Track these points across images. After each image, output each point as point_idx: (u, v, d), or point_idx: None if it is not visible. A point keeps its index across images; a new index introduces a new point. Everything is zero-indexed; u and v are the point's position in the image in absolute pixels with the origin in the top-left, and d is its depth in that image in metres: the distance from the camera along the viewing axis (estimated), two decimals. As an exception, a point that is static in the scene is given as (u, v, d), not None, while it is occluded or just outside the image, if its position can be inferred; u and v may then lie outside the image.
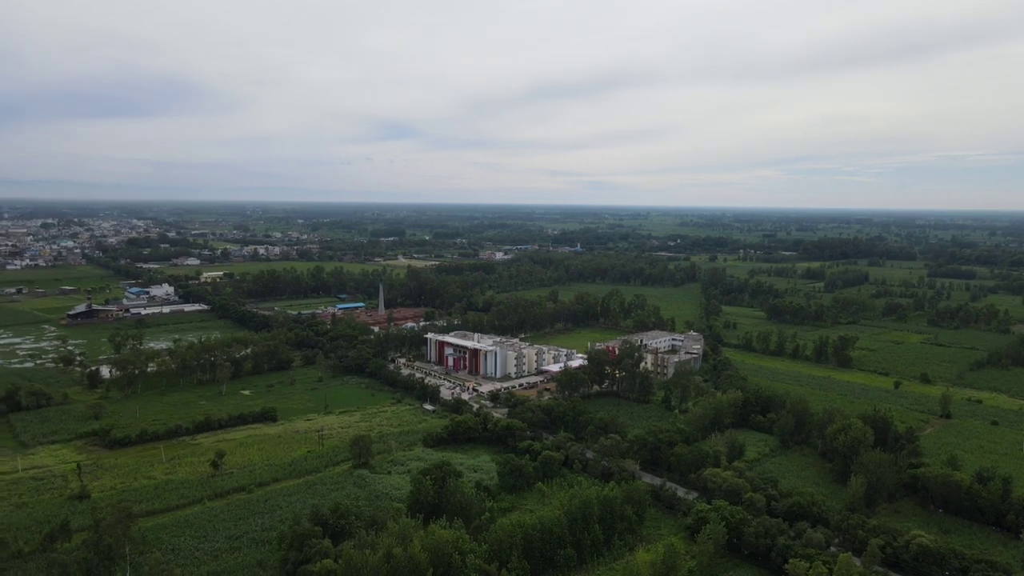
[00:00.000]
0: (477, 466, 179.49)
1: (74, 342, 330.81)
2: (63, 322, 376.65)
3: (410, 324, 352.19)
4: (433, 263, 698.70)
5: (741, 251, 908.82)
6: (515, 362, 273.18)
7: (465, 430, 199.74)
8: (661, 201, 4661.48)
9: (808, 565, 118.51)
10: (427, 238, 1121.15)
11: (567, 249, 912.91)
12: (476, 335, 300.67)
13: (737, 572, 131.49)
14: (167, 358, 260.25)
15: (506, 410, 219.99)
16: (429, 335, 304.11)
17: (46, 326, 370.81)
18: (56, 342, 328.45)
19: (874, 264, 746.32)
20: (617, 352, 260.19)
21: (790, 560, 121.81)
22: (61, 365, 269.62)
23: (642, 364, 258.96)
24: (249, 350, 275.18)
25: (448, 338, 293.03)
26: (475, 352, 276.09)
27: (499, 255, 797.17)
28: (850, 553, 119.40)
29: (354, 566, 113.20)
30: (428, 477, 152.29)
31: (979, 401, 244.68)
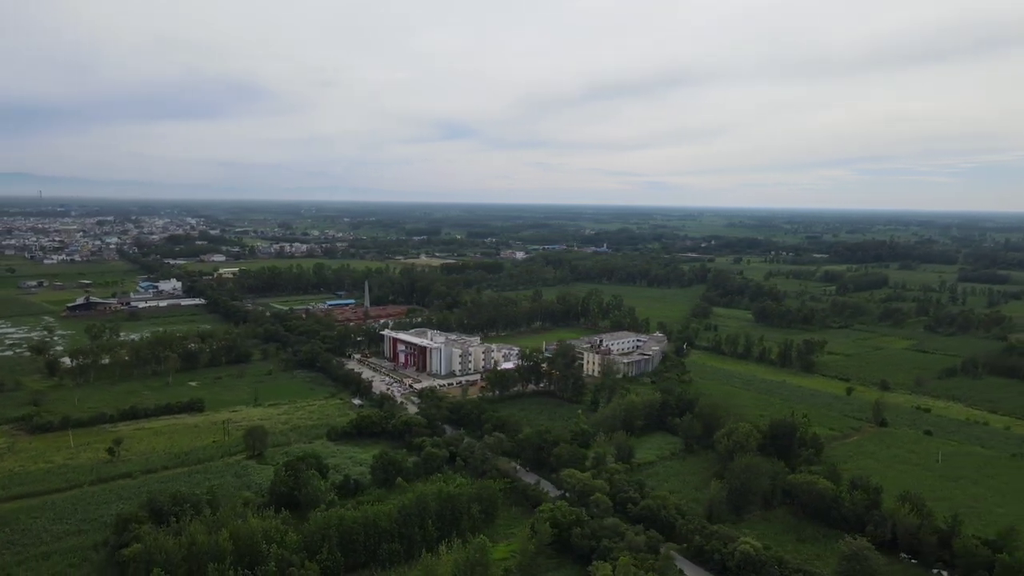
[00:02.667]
0: (366, 460, 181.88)
1: (63, 333, 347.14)
2: (63, 314, 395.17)
3: (383, 320, 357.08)
4: (450, 261, 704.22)
5: (772, 253, 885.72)
6: (460, 360, 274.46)
7: (369, 425, 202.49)
8: (721, 202, 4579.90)
9: (611, 566, 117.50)
10: (459, 237, 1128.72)
11: (592, 249, 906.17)
12: (430, 332, 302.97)
13: (559, 572, 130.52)
14: (120, 350, 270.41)
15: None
16: (385, 332, 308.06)
17: (47, 317, 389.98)
18: (44, 332, 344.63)
19: (905, 268, 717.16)
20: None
21: (594, 562, 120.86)
22: (32, 354, 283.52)
23: (581, 363, 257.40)
24: (206, 343, 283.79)
25: (401, 335, 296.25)
26: (423, 349, 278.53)
27: (518, 254, 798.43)
28: (629, 556, 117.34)
29: (148, 550, 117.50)
30: (286, 469, 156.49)
31: (927, 410, 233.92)
